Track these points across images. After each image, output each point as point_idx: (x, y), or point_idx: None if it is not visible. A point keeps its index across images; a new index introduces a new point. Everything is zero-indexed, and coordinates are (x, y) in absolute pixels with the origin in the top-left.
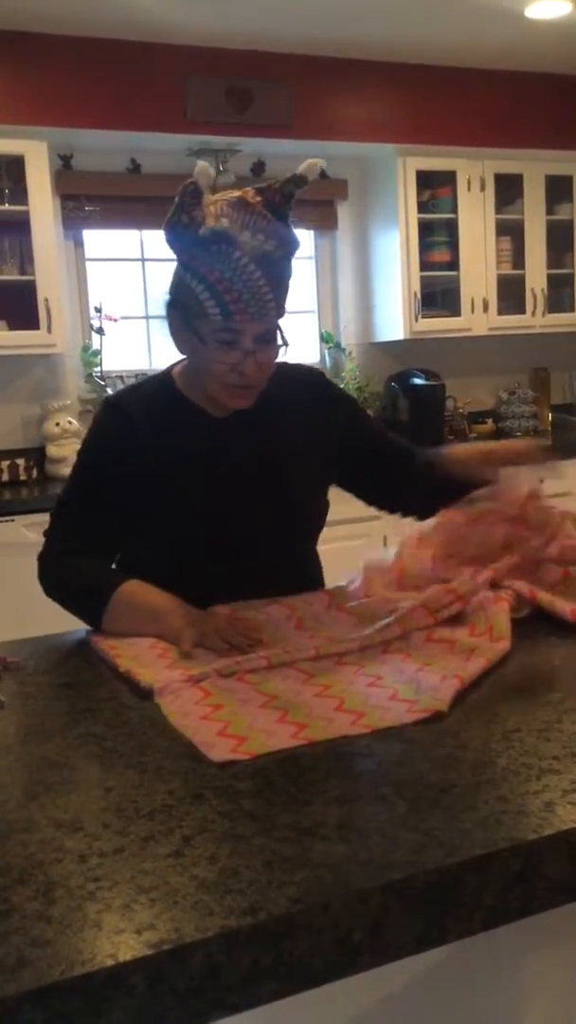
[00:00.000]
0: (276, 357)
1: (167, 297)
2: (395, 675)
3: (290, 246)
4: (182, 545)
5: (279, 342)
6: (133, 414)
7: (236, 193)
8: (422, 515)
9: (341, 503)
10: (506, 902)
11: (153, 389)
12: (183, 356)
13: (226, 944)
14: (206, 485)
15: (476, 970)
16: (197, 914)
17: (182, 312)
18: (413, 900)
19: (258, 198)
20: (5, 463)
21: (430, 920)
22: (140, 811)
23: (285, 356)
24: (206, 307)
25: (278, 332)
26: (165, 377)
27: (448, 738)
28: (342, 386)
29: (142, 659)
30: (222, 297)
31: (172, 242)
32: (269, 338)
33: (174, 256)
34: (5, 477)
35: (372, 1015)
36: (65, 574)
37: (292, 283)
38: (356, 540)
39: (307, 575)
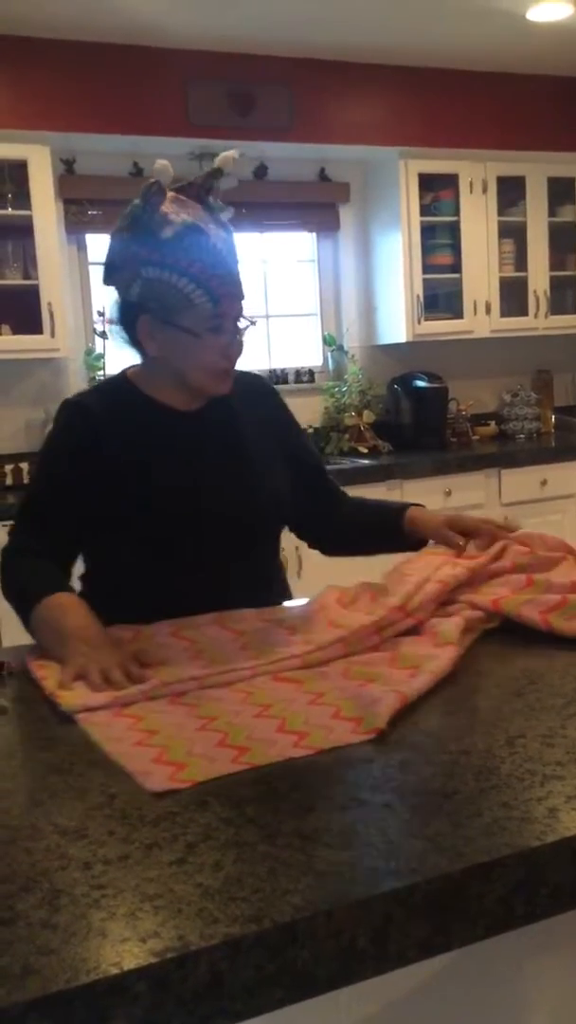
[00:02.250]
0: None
1: (125, 306)
2: (336, 692)
3: (231, 234)
4: (151, 541)
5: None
6: (95, 412)
7: (171, 193)
8: (326, 549)
9: None
10: (510, 909)
11: (112, 389)
12: (135, 363)
13: (230, 952)
14: (179, 477)
15: (480, 976)
16: (201, 922)
17: (158, 313)
18: (417, 907)
19: (182, 196)
20: (9, 467)
21: (434, 927)
22: (144, 818)
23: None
24: (193, 298)
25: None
26: (120, 379)
27: (451, 744)
28: (344, 389)
29: (69, 681)
30: (208, 284)
31: (137, 244)
32: (241, 318)
33: (125, 264)
34: (9, 481)
35: (377, 1017)
36: (12, 577)
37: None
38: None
39: (272, 569)
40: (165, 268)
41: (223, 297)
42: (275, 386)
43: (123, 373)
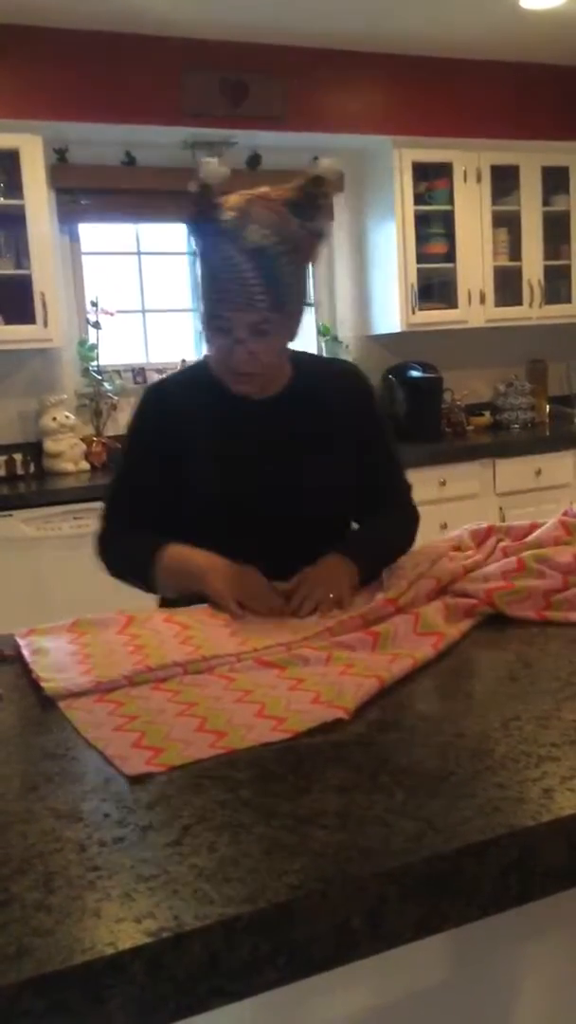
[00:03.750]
0: (276, 349)
1: None
2: (317, 677)
3: (295, 243)
4: (208, 525)
5: (281, 334)
6: (171, 393)
7: (264, 189)
8: None
9: None
10: (504, 889)
11: (190, 375)
12: None
13: (225, 932)
14: (230, 465)
15: (474, 956)
16: (196, 902)
17: (201, 297)
18: (411, 887)
19: (286, 195)
20: (2, 458)
21: (428, 907)
22: (139, 801)
23: (304, 347)
24: (207, 294)
25: (280, 324)
26: (202, 363)
27: (446, 726)
28: None
29: (58, 665)
30: (212, 285)
31: (191, 231)
32: (263, 329)
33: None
34: (2, 472)
35: (370, 1001)
36: (119, 553)
37: (297, 276)
38: None
39: None
40: (199, 258)
41: (221, 302)
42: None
43: (206, 357)
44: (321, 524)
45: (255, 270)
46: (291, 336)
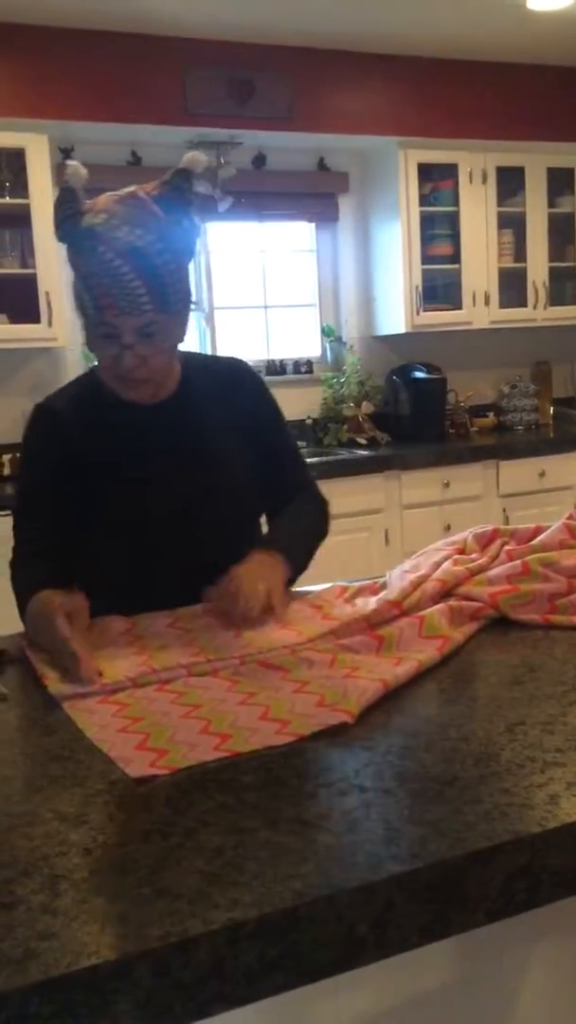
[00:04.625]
0: (165, 350)
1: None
2: (321, 680)
3: (171, 240)
4: (118, 536)
5: (169, 336)
6: (58, 411)
7: (132, 188)
8: None
9: (341, 496)
10: (510, 895)
11: (79, 387)
12: None
13: (231, 937)
14: (133, 474)
15: (479, 959)
16: (202, 907)
17: (78, 306)
18: (417, 893)
19: (155, 192)
20: (6, 457)
21: (434, 913)
22: (144, 804)
23: (194, 347)
24: (84, 301)
25: (166, 325)
26: (90, 375)
27: (451, 731)
28: (343, 380)
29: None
30: (92, 292)
31: (59, 238)
32: (150, 331)
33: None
34: (6, 471)
35: (374, 1004)
36: (15, 587)
37: (179, 275)
38: (359, 534)
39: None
40: (71, 266)
41: (106, 308)
42: (268, 376)
43: (93, 368)
44: (232, 523)
45: (135, 271)
46: (180, 337)
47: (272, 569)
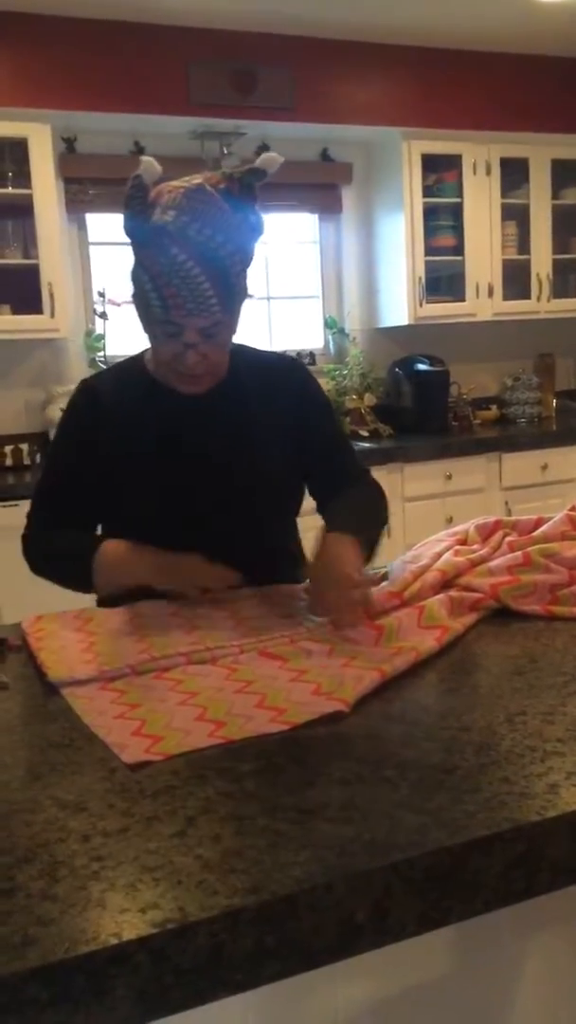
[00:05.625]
0: (225, 348)
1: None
2: (319, 669)
3: (240, 238)
4: (153, 523)
5: (229, 333)
6: (103, 393)
7: (198, 179)
8: None
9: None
10: (509, 884)
11: (126, 370)
12: None
13: (230, 923)
14: (173, 462)
15: (477, 949)
16: (201, 893)
17: (139, 299)
18: (416, 881)
19: (221, 185)
20: (9, 448)
21: (432, 901)
22: (144, 792)
23: (254, 343)
24: (150, 298)
25: (228, 324)
26: (137, 359)
27: (452, 720)
28: (345, 372)
29: (65, 651)
30: (161, 292)
31: (126, 231)
32: (213, 332)
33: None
34: (9, 462)
35: (373, 995)
36: (49, 550)
37: (244, 275)
38: None
39: (281, 556)
40: (137, 260)
41: (174, 309)
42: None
43: (141, 353)
44: (267, 516)
45: (204, 273)
46: (235, 332)
47: (349, 552)
